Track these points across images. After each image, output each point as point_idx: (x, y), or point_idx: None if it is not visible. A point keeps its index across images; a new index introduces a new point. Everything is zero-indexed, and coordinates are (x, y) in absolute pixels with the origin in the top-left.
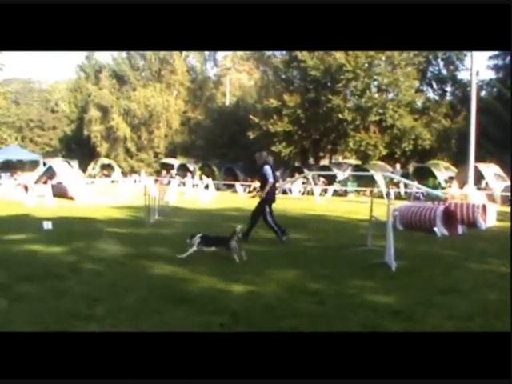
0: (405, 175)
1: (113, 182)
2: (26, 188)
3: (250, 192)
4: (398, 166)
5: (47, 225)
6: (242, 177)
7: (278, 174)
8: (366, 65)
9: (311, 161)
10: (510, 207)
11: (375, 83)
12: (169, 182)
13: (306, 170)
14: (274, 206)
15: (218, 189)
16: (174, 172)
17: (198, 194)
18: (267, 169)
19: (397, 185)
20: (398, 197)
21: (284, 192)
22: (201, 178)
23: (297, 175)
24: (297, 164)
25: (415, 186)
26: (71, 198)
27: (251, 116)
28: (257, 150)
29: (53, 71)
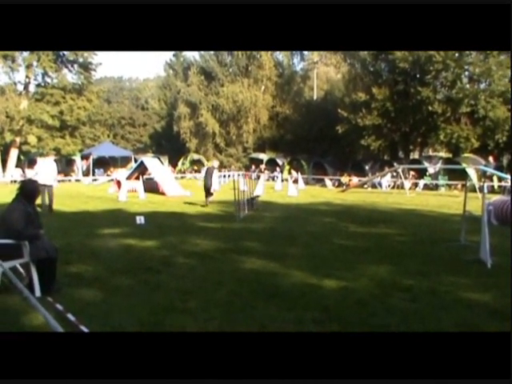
0: (499, 168)
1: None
2: (119, 183)
3: (338, 186)
4: (491, 158)
5: (140, 219)
6: (331, 171)
7: (367, 167)
8: (457, 55)
9: (401, 154)
10: None
11: (466, 73)
12: (258, 177)
13: (395, 164)
14: (363, 199)
15: (306, 183)
16: (262, 167)
17: (287, 188)
18: None
19: (490, 178)
20: (492, 191)
21: (373, 186)
22: (289, 173)
23: (386, 169)
24: (386, 158)
25: (510, 180)
26: (162, 193)
27: (339, 110)
28: (346, 145)
29: (142, 69)
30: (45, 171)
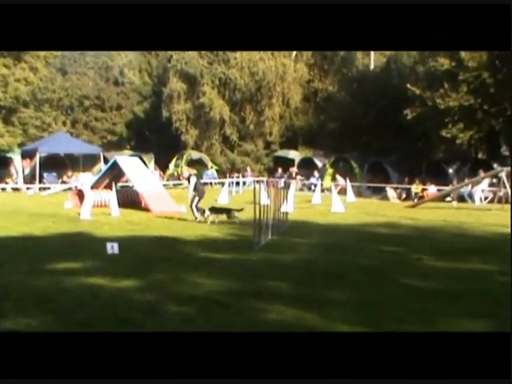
0: None
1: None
2: (80, 194)
3: (406, 198)
4: None
5: (112, 247)
6: (395, 176)
7: (450, 171)
8: None
9: (504, 150)
10: None
11: None
12: (287, 185)
13: (496, 166)
14: (445, 219)
15: (358, 194)
16: (293, 170)
17: (329, 201)
18: None
19: None
20: None
21: (461, 199)
22: (333, 179)
23: (481, 173)
24: (481, 156)
25: None
26: (146, 209)
27: (409, 85)
28: (418, 137)
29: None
30: None
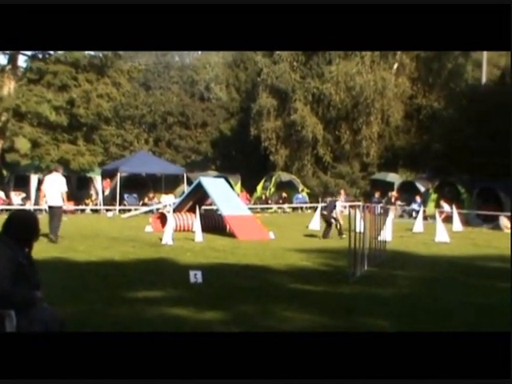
0: None
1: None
2: (162, 218)
3: None
4: None
5: (195, 276)
6: (508, 203)
7: None
8: None
9: None
10: None
11: None
12: (384, 211)
13: None
14: None
15: (466, 222)
16: (393, 194)
17: (432, 229)
18: None
19: None
20: None
21: None
22: (437, 205)
23: None
24: None
25: None
26: (232, 234)
27: None
28: None
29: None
30: (50, 188)
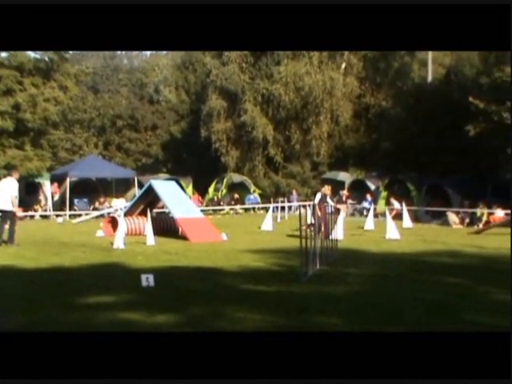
0: None
1: (246, 210)
2: (113, 222)
3: (470, 224)
4: None
5: (147, 280)
6: (456, 199)
7: None
8: None
9: None
10: None
11: None
12: (335, 210)
13: None
14: None
15: (416, 219)
16: (343, 193)
17: (383, 227)
18: None
19: None
20: None
21: None
22: (388, 203)
23: None
24: None
25: None
26: (184, 237)
27: (471, 98)
28: (482, 156)
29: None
30: (3, 192)
